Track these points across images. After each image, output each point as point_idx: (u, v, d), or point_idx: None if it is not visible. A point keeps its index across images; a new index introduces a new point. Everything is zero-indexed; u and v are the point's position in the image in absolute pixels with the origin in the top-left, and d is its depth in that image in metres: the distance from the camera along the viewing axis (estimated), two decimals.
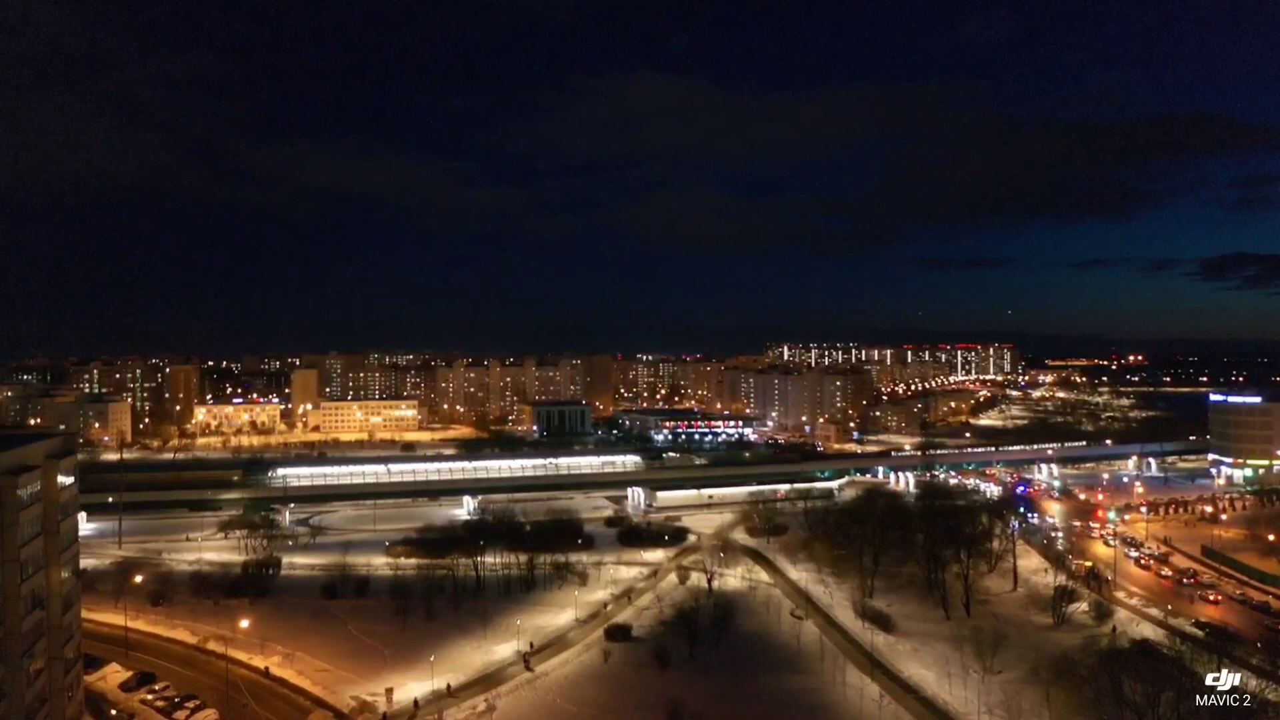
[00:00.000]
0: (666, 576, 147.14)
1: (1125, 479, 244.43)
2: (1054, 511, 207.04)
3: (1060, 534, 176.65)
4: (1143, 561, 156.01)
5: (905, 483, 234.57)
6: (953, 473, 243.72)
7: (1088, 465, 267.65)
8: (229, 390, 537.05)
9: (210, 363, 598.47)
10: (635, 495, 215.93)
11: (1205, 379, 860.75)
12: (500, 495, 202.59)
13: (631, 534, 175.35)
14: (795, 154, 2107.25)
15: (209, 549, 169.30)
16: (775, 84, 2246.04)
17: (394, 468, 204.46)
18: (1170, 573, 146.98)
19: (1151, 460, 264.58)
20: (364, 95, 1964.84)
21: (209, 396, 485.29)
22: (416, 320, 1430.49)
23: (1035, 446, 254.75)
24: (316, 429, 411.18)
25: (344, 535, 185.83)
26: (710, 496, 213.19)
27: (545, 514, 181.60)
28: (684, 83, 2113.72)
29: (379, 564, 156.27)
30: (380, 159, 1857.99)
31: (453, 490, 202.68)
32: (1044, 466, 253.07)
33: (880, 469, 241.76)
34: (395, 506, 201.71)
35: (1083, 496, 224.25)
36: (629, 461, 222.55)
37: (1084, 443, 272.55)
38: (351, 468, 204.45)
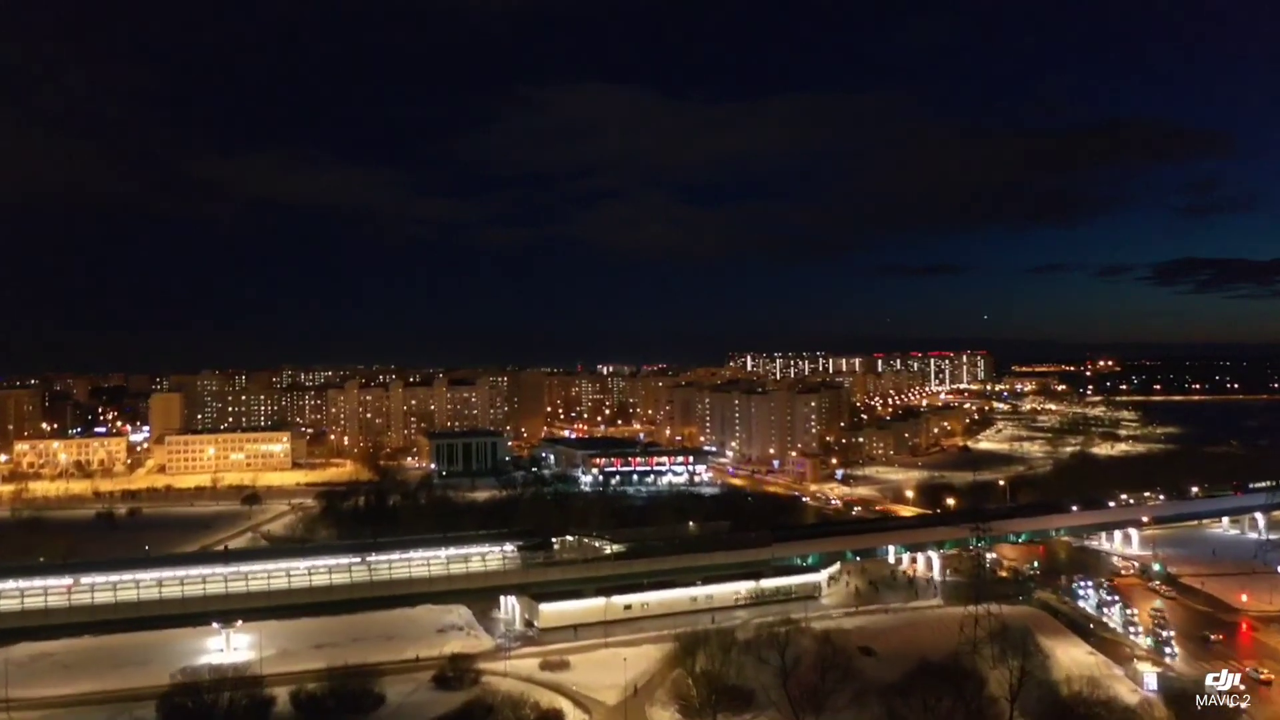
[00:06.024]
0: None
1: (1267, 555, 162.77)
2: (1162, 618, 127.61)
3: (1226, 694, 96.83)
4: None
5: (931, 566, 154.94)
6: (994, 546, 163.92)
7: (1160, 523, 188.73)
8: (100, 418, 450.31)
9: (127, 382, 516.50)
10: (510, 608, 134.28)
11: (1197, 386, 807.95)
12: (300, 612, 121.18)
13: None
14: (745, 162, 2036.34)
15: None
16: (722, 93, 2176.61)
17: (87, 580, 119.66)
18: None
19: (1260, 516, 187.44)
20: (306, 105, 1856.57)
21: (53, 426, 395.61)
22: (358, 335, 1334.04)
23: (1113, 505, 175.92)
24: (163, 469, 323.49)
25: None
26: (628, 607, 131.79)
27: (334, 667, 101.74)
28: (630, 92, 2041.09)
29: None
30: (324, 169, 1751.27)
31: (182, 618, 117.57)
32: (1119, 533, 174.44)
33: (890, 548, 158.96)
34: (120, 636, 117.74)
35: (1198, 584, 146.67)
36: (495, 556, 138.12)
37: (1164, 496, 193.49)
38: (9, 583, 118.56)
